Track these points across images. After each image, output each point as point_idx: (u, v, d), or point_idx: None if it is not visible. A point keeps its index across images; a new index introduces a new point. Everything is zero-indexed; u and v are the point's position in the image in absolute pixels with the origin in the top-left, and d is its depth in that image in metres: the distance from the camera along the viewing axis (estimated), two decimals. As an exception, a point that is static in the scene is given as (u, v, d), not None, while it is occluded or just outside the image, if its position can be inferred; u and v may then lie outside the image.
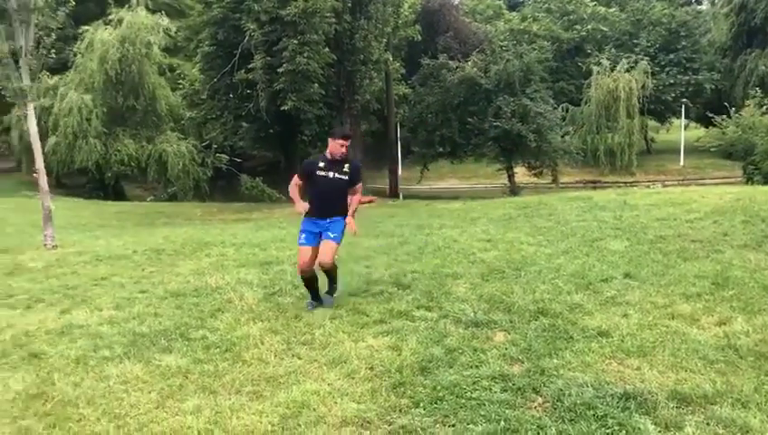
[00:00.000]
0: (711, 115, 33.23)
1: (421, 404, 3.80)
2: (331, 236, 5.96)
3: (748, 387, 3.78)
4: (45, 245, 11.64)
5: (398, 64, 30.38)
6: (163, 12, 29.43)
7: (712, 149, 31.34)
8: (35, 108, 12.54)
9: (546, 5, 45.15)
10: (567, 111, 34.26)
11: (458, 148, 27.56)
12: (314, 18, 20.18)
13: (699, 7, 51.19)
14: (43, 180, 12.10)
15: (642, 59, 35.72)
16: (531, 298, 5.83)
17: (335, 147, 6.05)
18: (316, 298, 6.09)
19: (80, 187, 31.63)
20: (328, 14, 20.68)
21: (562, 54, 40.98)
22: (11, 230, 15.58)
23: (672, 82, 38.17)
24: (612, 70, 34.33)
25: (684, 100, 37.87)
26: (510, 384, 3.99)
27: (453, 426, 3.54)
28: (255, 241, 10.61)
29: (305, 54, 19.98)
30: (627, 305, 5.51)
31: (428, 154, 28.83)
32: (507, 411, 3.63)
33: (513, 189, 26.64)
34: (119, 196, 30.74)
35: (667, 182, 29.36)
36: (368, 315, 5.62)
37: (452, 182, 37.60)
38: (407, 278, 6.97)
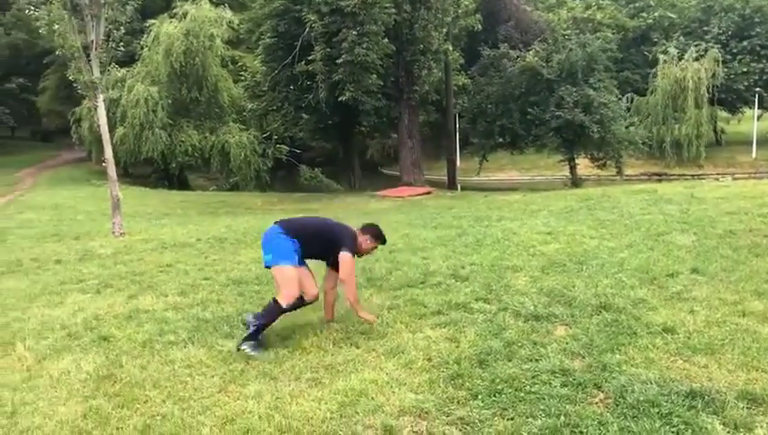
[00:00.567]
0: (787, 105, 31.82)
1: (479, 396, 3.78)
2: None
3: (825, 389, 3.61)
4: (114, 232, 12.09)
5: (457, 54, 30.09)
6: (226, 5, 29.97)
7: (787, 141, 30.02)
8: (105, 100, 13.00)
9: (611, -8, 43.87)
10: (632, 101, 33.33)
11: (518, 138, 27.15)
12: (374, 9, 20.18)
13: (775, -8, 48.83)
14: (112, 170, 12.54)
15: (712, 47, 34.31)
16: (593, 292, 5.70)
17: (369, 247, 5.39)
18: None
19: (146, 176, 32.68)
20: (387, 5, 20.66)
21: (627, 43, 39.78)
22: (82, 218, 16.25)
23: (745, 70, 36.54)
24: (680, 58, 33.15)
25: (757, 89, 36.20)
26: (570, 379, 3.92)
27: (512, 419, 3.51)
28: (314, 231, 10.73)
29: (364, 45, 20.02)
30: (694, 301, 5.33)
31: (487, 145, 28.49)
32: (567, 406, 3.57)
33: (575, 181, 26.08)
34: (183, 185, 31.61)
35: (737, 175, 28.20)
36: (426, 306, 5.62)
37: (511, 174, 37.13)
38: (465, 270, 6.93)
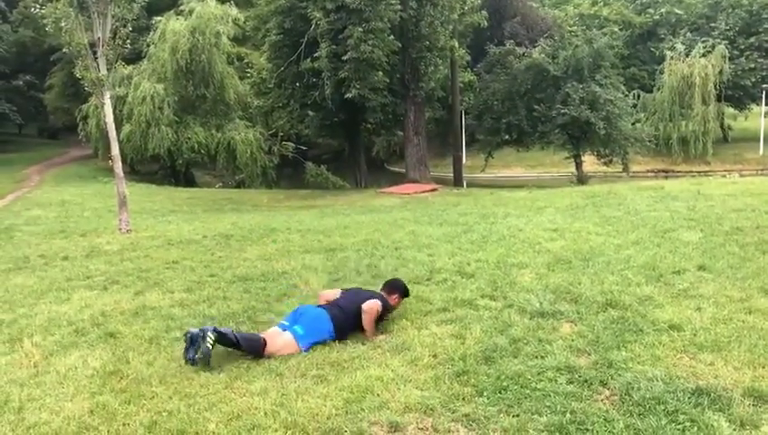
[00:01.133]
0: (795, 101, 31.66)
1: (485, 393, 3.78)
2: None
3: (832, 387, 3.59)
4: (120, 229, 12.12)
5: (463, 51, 30.00)
6: (232, 1, 29.98)
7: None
8: (111, 97, 13.03)
9: (618, -12, 43.70)
10: (638, 97, 33.18)
11: (525, 135, 27.09)
12: (379, 5, 20.14)
13: (783, -13, 48.53)
14: (118, 167, 12.57)
15: (719, 43, 34.13)
16: (599, 289, 5.69)
17: (397, 304, 5.45)
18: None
19: (152, 173, 32.77)
20: (393, 2, 20.60)
21: (634, 39, 39.62)
22: (89, 214, 16.31)
23: (752, 66, 36.34)
24: (687, 55, 32.99)
25: (764, 85, 36.00)
26: (576, 376, 3.92)
27: (517, 416, 3.51)
28: (320, 228, 10.75)
29: (370, 42, 19.98)
30: (700, 299, 5.31)
31: (493, 142, 28.47)
32: (573, 403, 3.57)
33: (581, 178, 26.00)
34: (189, 182, 31.69)
35: (744, 172, 28.04)
36: (431, 303, 5.62)
37: (517, 171, 37.04)
38: (471, 267, 6.92)
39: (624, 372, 3.93)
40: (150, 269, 8.13)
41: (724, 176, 17.87)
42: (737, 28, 37.70)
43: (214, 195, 24.57)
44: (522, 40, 30.25)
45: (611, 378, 3.86)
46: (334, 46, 20.98)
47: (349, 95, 20.97)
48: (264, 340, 4.71)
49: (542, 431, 3.33)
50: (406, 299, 5.59)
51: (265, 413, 3.72)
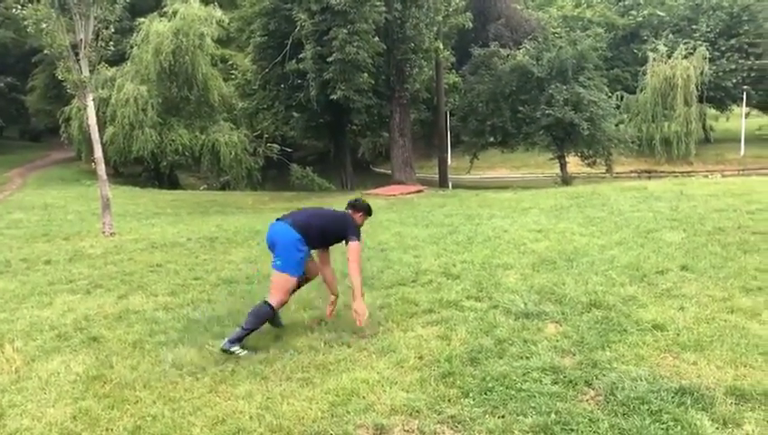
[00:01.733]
0: (775, 102, 32.06)
1: (470, 394, 3.79)
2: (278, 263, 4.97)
3: (812, 384, 3.64)
4: (104, 232, 12.03)
5: (448, 53, 30.10)
6: (216, 3, 29.81)
7: (774, 138, 30.24)
8: (94, 99, 12.92)
9: (601, -9, 44.05)
10: (622, 99, 33.45)
11: (509, 137, 27.21)
12: (364, 7, 20.14)
13: (763, -10, 49.14)
14: (102, 169, 12.47)
15: (701, 45, 34.51)
16: (583, 290, 5.72)
17: (361, 223, 5.48)
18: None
19: (136, 176, 32.50)
20: (378, 3, 20.61)
21: (617, 41, 39.95)
22: (72, 218, 16.14)
23: (733, 67, 36.78)
24: (669, 56, 33.31)
25: (745, 87, 36.44)
26: (561, 376, 3.94)
27: (502, 417, 3.51)
28: (305, 230, 10.72)
29: (355, 44, 19.98)
30: (683, 298, 5.36)
31: (478, 143, 28.57)
32: (558, 404, 3.58)
33: (565, 179, 26.14)
34: (173, 184, 31.48)
35: (726, 172, 28.34)
36: (417, 305, 5.63)
37: (502, 172, 37.19)
38: (456, 268, 6.94)
39: (608, 372, 3.95)
40: (134, 272, 8.07)
41: (707, 176, 18.05)
42: (718, 30, 38.14)
43: (198, 197, 24.43)
44: (506, 41, 30.41)
45: (596, 378, 3.88)
46: (319, 48, 20.96)
47: (334, 97, 20.96)
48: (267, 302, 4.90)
49: (528, 432, 3.34)
50: (390, 302, 5.61)
51: (250, 417, 3.71)
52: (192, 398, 4.04)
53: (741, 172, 29.09)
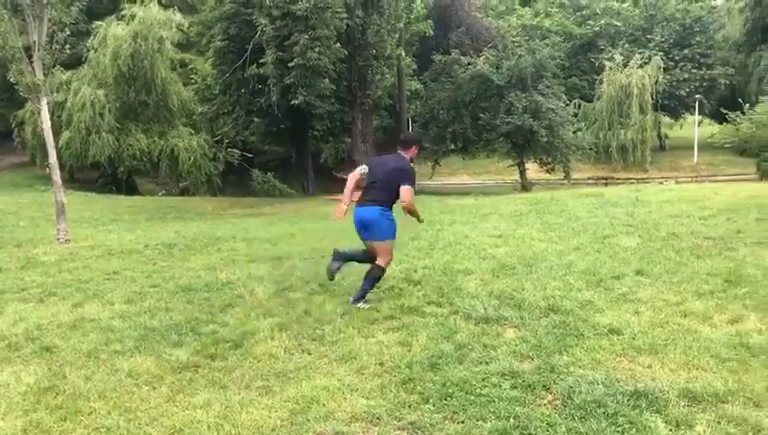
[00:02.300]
0: (725, 111, 33.05)
1: (430, 400, 3.80)
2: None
3: (760, 386, 3.74)
4: (58, 239, 11.73)
5: (409, 60, 30.28)
6: (176, 7, 29.45)
7: (726, 146, 31.18)
8: (49, 103, 12.60)
9: (558, 1, 44.88)
10: (579, 106, 34.08)
11: (470, 144, 27.50)
12: (326, 13, 20.12)
13: (714, 2, 50.69)
14: (56, 175, 12.17)
15: (656, 54, 35.43)
16: (541, 295, 5.80)
17: (415, 153, 6.31)
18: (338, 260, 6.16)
19: (92, 181, 31.82)
20: (340, 9, 20.62)
21: (575, 50, 40.73)
22: (24, 224, 15.70)
23: (686, 77, 37.86)
24: (625, 65, 34.09)
25: (698, 96, 37.53)
26: (520, 381, 3.98)
27: (462, 422, 3.53)
28: (266, 236, 10.65)
29: (316, 49, 19.94)
30: (638, 303, 5.48)
31: (440, 150, 28.79)
32: (517, 408, 3.61)
33: (525, 185, 26.52)
34: (131, 190, 30.90)
35: (680, 179, 29.15)
36: (378, 311, 5.63)
37: (463, 178, 37.50)
38: (417, 274, 6.97)
39: (566, 376, 4.01)
40: (90, 280, 7.88)
41: (661, 183, 18.52)
42: (672, 40, 39.25)
43: (157, 203, 24.02)
44: (467, 49, 30.71)
45: (554, 382, 3.93)
46: (280, 53, 20.86)
47: (295, 102, 20.87)
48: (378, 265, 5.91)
49: (487, 437, 3.37)
50: (353, 309, 5.62)
51: (208, 427, 3.65)
52: (148, 408, 3.96)
53: (694, 179, 29.92)
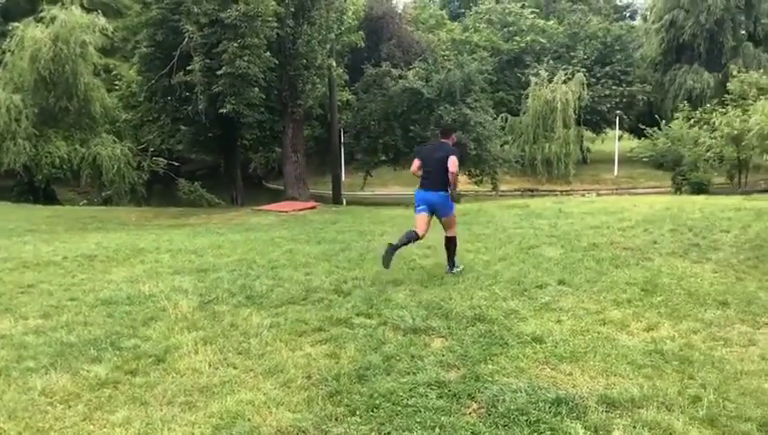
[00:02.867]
0: (643, 127, 34.61)
1: (357, 412, 3.79)
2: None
3: (672, 390, 3.92)
4: (-32, 250, 11.10)
5: (341, 70, 30.31)
6: (99, 11, 28.51)
7: (644, 160, 32.63)
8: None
9: (487, 17, 45.97)
10: (506, 120, 34.91)
11: (401, 155, 27.72)
12: (255, 22, 19.90)
13: (632, 23, 53.21)
14: (-33, 183, 11.54)
15: (579, 71, 36.80)
16: (468, 304, 5.90)
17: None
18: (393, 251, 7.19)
19: (7, 190, 30.33)
20: (270, 18, 20.42)
21: (502, 65, 41.77)
22: (-69, 235, 14.79)
23: (607, 93, 39.43)
24: (550, 81, 35.21)
25: (618, 111, 39.16)
26: (446, 390, 4.02)
27: (388, 434, 3.54)
28: (192, 247, 10.39)
29: (245, 58, 19.68)
30: (560, 311, 5.64)
31: (371, 161, 28.93)
32: (443, 418, 3.65)
33: (454, 197, 26.85)
34: (50, 199, 29.59)
35: (601, 191, 30.28)
36: (306, 323, 5.58)
37: (395, 189, 37.71)
38: (347, 285, 6.96)
39: (490, 384, 4.08)
40: (2, 294, 7.48)
41: (583, 195, 19.18)
42: (594, 57, 40.87)
43: (77, 213, 23.08)
44: (398, 62, 31.02)
45: (479, 391, 4.00)
46: (208, 60, 20.48)
47: (223, 110, 20.51)
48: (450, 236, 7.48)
49: (413, 448, 3.38)
50: (278, 321, 5.58)
51: (127, 446, 3.52)
52: (63, 427, 3.79)
53: (614, 191, 31.16)
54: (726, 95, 29.65)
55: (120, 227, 17.58)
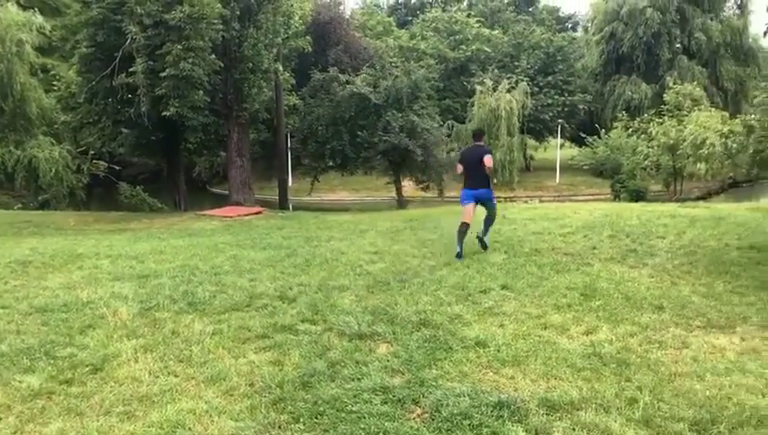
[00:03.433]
0: (584, 135, 35.60)
1: (301, 419, 3.77)
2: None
3: (610, 392, 4.02)
4: None
5: (288, 75, 30.13)
6: (36, 9, 27.58)
7: (584, 168, 33.58)
8: None
9: (434, 25, 46.49)
10: (452, 127, 35.34)
11: (348, 161, 27.73)
12: (200, 24, 19.57)
13: (574, 34, 54.69)
14: None
15: (522, 80, 37.56)
16: (414, 310, 5.93)
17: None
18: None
19: (-64, 193, 29.02)
20: (215, 21, 20.12)
21: (449, 73, 42.30)
22: None
23: (549, 102, 40.37)
24: (495, 89, 35.81)
25: (560, 120, 40.13)
26: (390, 396, 4.03)
27: (332, 440, 3.52)
28: (133, 253, 10.13)
29: (190, 60, 19.32)
30: (503, 316, 5.73)
31: (319, 166, 28.83)
32: (387, 424, 3.66)
33: (401, 202, 27.09)
34: (-19, 204, 28.45)
35: (543, 198, 30.98)
36: (250, 330, 5.51)
37: (342, 194, 37.72)
38: (292, 291, 6.90)
39: (435, 389, 4.11)
40: (-73, 302, 7.14)
41: (526, 202, 19.55)
42: (537, 67, 41.81)
43: (11, 217, 22.21)
44: (345, 67, 31.02)
45: (423, 396, 4.02)
46: (151, 62, 20.03)
47: (167, 113, 20.10)
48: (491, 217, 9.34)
49: (357, 454, 3.38)
50: (221, 328, 5.50)
51: (61, 458, 3.40)
52: (-8, 441, 3.64)
53: (556, 198, 31.88)
54: (663, 106, 30.77)
55: (57, 231, 17.00)
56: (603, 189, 32.41)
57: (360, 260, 8.69)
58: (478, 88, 36.04)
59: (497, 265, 7.96)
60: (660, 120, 28.43)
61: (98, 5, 21.27)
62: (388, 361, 4.66)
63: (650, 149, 27.94)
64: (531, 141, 43.41)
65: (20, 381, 4.48)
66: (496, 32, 46.62)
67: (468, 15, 47.87)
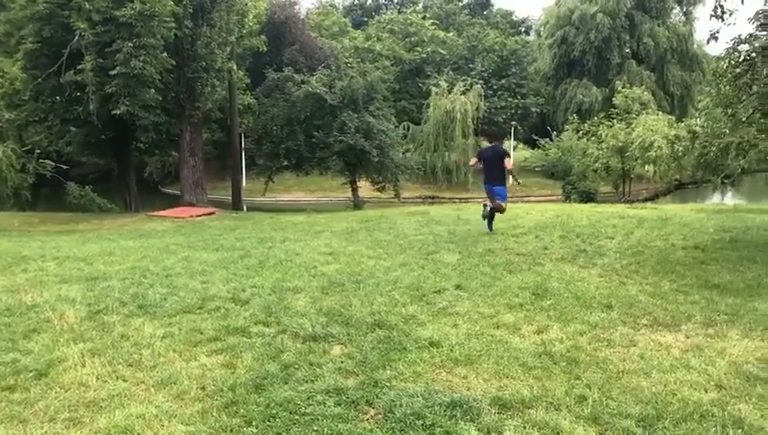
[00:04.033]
0: (536, 138, 36.26)
1: (254, 423, 3.72)
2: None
3: (560, 391, 4.09)
4: None
5: (242, 74, 29.83)
6: (-22, 3, 26.66)
7: (537, 169, 34.20)
8: None
9: (389, 26, 46.70)
10: (408, 129, 35.59)
11: (304, 161, 27.62)
12: (152, 21, 19.24)
13: (527, 38, 55.62)
14: None
15: (477, 82, 38.03)
16: (368, 310, 5.93)
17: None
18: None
19: None
20: (167, 19, 19.81)
21: (404, 74, 42.54)
22: None
23: (503, 105, 40.97)
24: (450, 91, 36.16)
25: (513, 122, 40.75)
26: (344, 398, 4.02)
27: (285, 443, 3.50)
28: (81, 255, 9.87)
29: (141, 58, 18.97)
30: (457, 316, 5.78)
31: (273, 166, 28.62)
32: (340, 425, 3.65)
33: (357, 203, 27.11)
34: None
35: (498, 199, 31.29)
36: (201, 333, 5.42)
37: (297, 195, 37.50)
38: (245, 293, 6.82)
39: (388, 390, 4.12)
40: None
41: (483, 204, 19.69)
42: (491, 70, 42.39)
43: (-48, 218, 21.43)
44: (300, 67, 30.88)
45: (376, 397, 4.02)
46: (101, 60, 19.60)
47: (117, 112, 19.68)
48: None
49: (310, 456, 3.36)
50: (172, 331, 5.40)
51: (3, 468, 3.29)
52: (-71, 452, 3.49)
53: (509, 199, 32.30)
54: (613, 109, 31.53)
55: (0, 233, 16.46)
56: (555, 191, 33.05)
57: (315, 261, 8.65)
58: (434, 90, 36.37)
59: (451, 266, 8.03)
60: (610, 124, 29.12)
61: (44, 0, 20.68)
62: (342, 362, 4.65)
63: (600, 152, 28.59)
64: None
65: (-41, 389, 4.31)
66: (451, 34, 47.11)
67: (423, 18, 48.23)
